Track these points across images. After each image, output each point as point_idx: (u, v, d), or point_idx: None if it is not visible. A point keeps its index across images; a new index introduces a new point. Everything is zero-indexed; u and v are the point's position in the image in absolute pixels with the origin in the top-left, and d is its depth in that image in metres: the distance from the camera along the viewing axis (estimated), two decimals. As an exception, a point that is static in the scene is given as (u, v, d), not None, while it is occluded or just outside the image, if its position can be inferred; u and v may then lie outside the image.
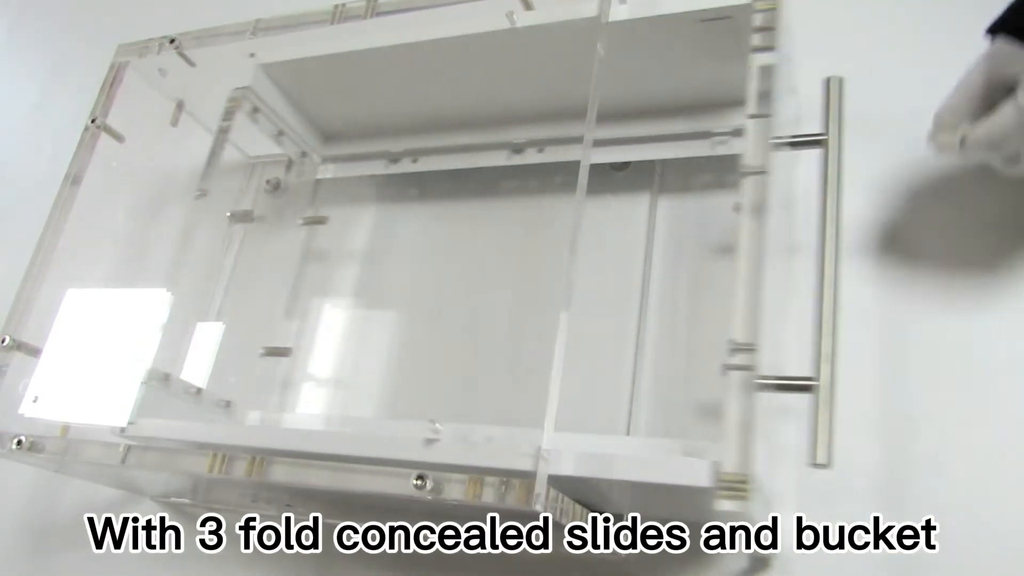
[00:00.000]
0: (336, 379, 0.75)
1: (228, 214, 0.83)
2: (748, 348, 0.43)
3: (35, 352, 0.63)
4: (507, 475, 0.44)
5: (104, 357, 0.65)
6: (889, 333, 0.59)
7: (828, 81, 0.55)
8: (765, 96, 0.49)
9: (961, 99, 0.55)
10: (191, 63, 0.72)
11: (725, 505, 0.41)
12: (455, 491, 0.45)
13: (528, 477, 0.44)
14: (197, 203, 0.70)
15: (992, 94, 0.54)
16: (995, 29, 0.54)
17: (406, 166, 0.77)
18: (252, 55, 0.72)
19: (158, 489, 0.73)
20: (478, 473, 0.45)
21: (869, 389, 0.58)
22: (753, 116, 0.48)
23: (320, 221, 0.81)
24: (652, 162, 0.69)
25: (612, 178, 0.71)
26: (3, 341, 0.63)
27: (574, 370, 0.62)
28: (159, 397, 0.66)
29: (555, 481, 0.45)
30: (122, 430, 0.59)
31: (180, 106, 0.77)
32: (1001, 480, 0.53)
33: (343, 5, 0.67)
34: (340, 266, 0.79)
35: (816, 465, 0.45)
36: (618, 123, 0.68)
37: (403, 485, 0.45)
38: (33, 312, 0.64)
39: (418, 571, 0.63)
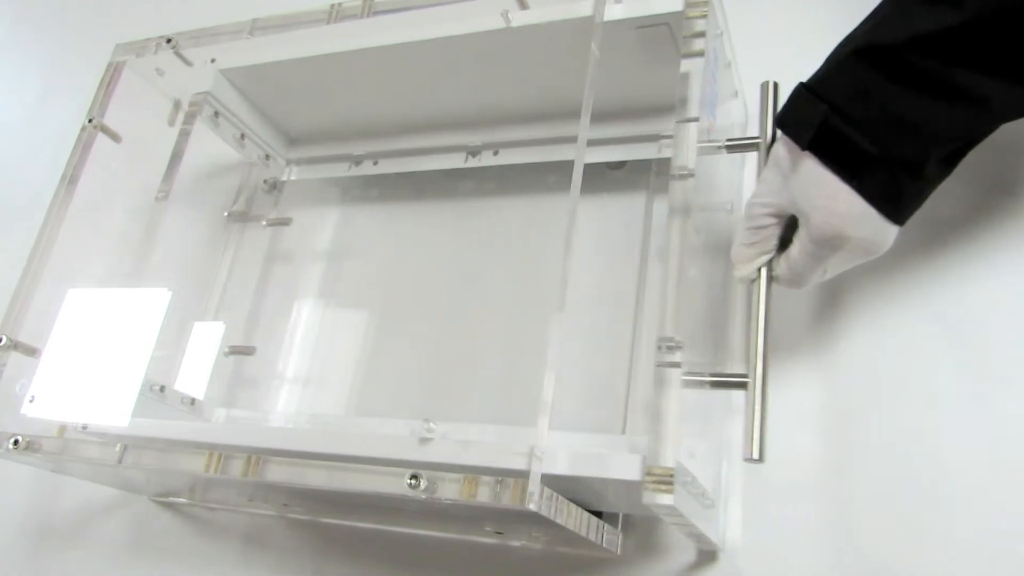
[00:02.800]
0: (301, 377, 0.76)
1: (226, 214, 0.83)
2: (675, 345, 0.44)
3: (32, 352, 0.63)
4: (501, 474, 0.44)
5: (96, 357, 0.65)
6: (826, 330, 0.60)
7: (764, 85, 0.56)
8: (691, 102, 0.50)
9: (750, 232, 0.53)
10: (188, 63, 0.72)
11: (652, 498, 0.42)
12: (450, 490, 0.45)
13: (522, 476, 0.44)
14: (156, 205, 0.70)
15: (781, 219, 0.52)
16: (778, 124, 0.51)
17: (367, 168, 0.79)
18: (213, 60, 0.73)
19: (156, 488, 0.73)
20: (472, 472, 0.45)
21: (808, 385, 0.59)
22: (681, 121, 0.49)
23: (284, 223, 0.82)
24: (648, 161, 0.69)
25: (607, 177, 0.71)
26: (0, 341, 0.63)
27: (569, 368, 0.63)
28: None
29: (549, 480, 0.45)
30: (84, 427, 0.61)
31: (178, 106, 0.77)
32: (938, 469, 0.54)
33: (339, 4, 0.67)
34: (305, 266, 0.81)
35: (749, 459, 0.46)
36: (606, 123, 0.68)
37: (397, 484, 0.45)
38: (28, 312, 0.64)
39: (413, 569, 0.64)
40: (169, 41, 0.72)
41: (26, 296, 0.65)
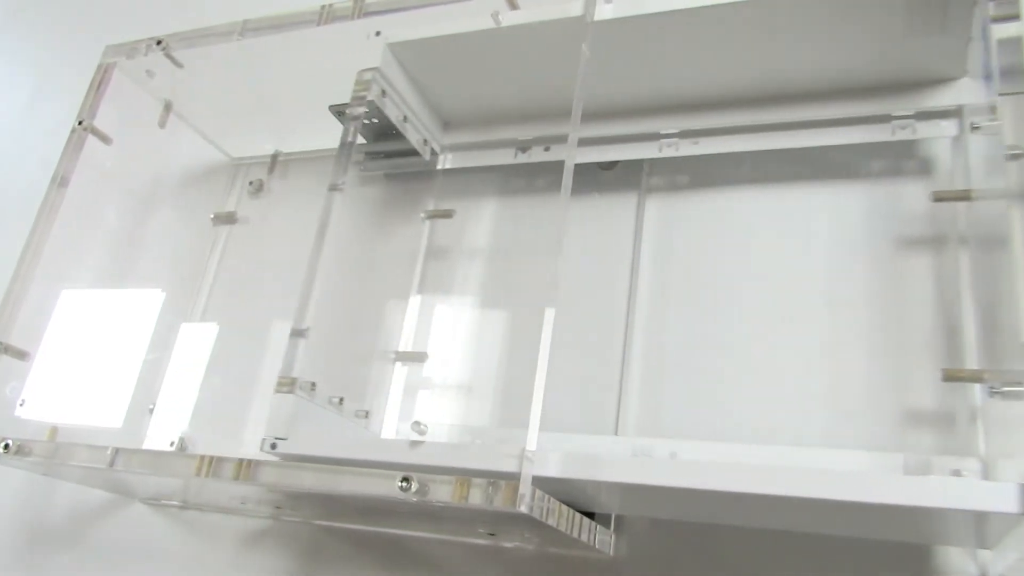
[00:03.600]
0: (461, 385, 0.70)
1: (212, 216, 0.83)
2: None
3: (22, 355, 0.63)
4: (492, 476, 0.44)
5: (90, 359, 0.65)
6: None
7: None
8: (1017, 72, 0.44)
9: None
10: (178, 64, 0.72)
11: None
12: (442, 493, 0.45)
13: (513, 478, 0.44)
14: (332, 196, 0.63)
15: None
16: None
17: (537, 155, 0.71)
18: (378, 33, 0.67)
19: (148, 492, 0.72)
20: (463, 475, 0.45)
21: None
22: (1005, 94, 0.44)
23: (446, 215, 0.75)
24: (640, 162, 0.69)
25: (600, 177, 0.71)
26: (-10, 344, 0.63)
27: (562, 370, 0.62)
28: (305, 407, 0.59)
29: (541, 482, 0.45)
30: (273, 446, 0.54)
31: (168, 107, 0.77)
32: None
33: (330, 5, 0.67)
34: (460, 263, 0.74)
35: None
36: (608, 121, 0.67)
37: (388, 487, 0.45)
38: (18, 315, 0.64)
39: (406, 570, 0.63)
40: (159, 43, 0.72)
41: (16, 299, 0.64)
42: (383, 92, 0.68)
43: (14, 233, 0.68)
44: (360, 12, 0.66)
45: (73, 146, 0.69)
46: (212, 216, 0.82)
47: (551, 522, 0.47)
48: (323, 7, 0.67)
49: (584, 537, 0.53)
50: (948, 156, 0.59)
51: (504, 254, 0.73)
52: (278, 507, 0.65)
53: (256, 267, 0.80)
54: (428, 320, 0.72)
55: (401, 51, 0.68)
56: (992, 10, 0.45)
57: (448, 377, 0.70)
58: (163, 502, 0.74)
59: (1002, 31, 0.44)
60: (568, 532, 0.50)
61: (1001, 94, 0.43)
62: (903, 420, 0.54)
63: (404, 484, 0.45)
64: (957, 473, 0.47)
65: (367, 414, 0.67)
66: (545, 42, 0.62)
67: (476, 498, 0.44)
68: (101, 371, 0.66)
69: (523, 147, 0.72)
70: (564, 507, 0.49)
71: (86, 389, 0.65)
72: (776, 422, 0.57)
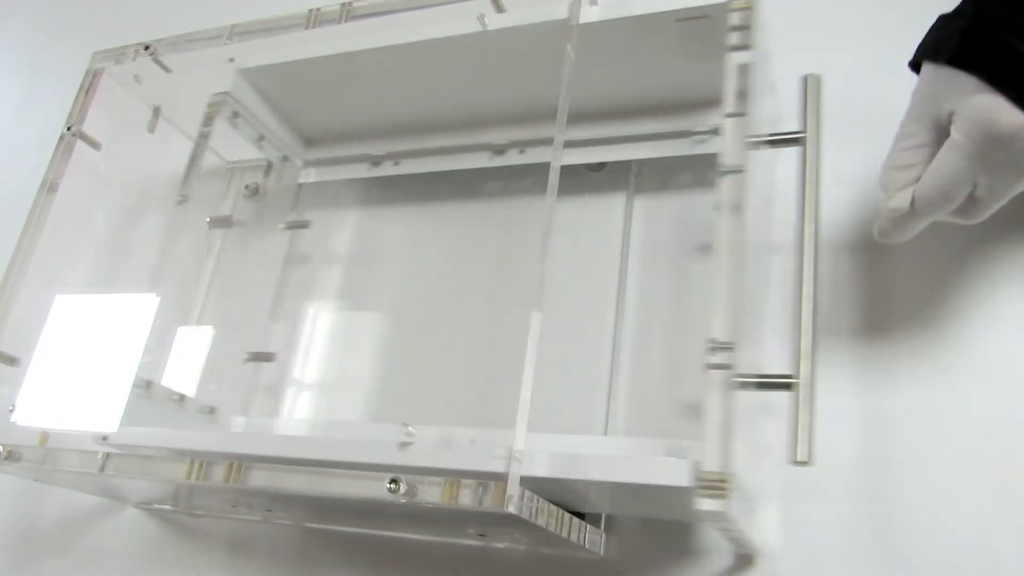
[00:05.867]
0: (321, 383, 0.75)
1: (208, 219, 0.83)
2: (727, 347, 0.43)
3: (11, 361, 0.63)
4: (481, 477, 0.44)
5: (83, 364, 0.65)
6: (869, 331, 0.60)
7: (806, 79, 0.55)
8: (742, 95, 0.49)
9: (903, 153, 0.50)
10: (166, 69, 0.72)
11: (705, 504, 0.41)
12: (431, 494, 0.45)
13: (501, 479, 0.44)
14: (178, 208, 0.70)
15: (935, 135, 0.49)
16: (917, 59, 0.50)
17: (387, 169, 0.77)
18: (232, 60, 0.72)
19: (140, 496, 0.72)
20: (451, 476, 0.45)
21: (852, 386, 0.58)
22: (730, 115, 0.48)
23: (303, 225, 0.81)
24: (628, 163, 0.69)
25: (588, 179, 0.71)
26: (-21, 351, 0.63)
27: (552, 370, 0.63)
28: (141, 405, 0.66)
29: (531, 482, 0.45)
30: (104, 437, 0.59)
31: (157, 112, 0.76)
32: (973, 478, 0.54)
33: (318, 9, 0.67)
34: (323, 270, 0.79)
35: (797, 463, 0.46)
36: (594, 123, 0.68)
37: (377, 488, 0.45)
38: (7, 320, 0.64)
39: (397, 573, 0.64)
40: (147, 48, 0.72)
41: (6, 305, 0.64)
42: (235, 114, 0.73)
43: (4, 239, 0.68)
44: (348, 16, 0.66)
45: (62, 152, 0.69)
46: (208, 220, 0.83)
47: (540, 522, 0.47)
48: (311, 11, 0.67)
49: (574, 537, 0.53)
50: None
51: (363, 260, 0.78)
52: (269, 510, 0.66)
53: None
54: (287, 323, 0.78)
55: (255, 75, 0.74)
56: (732, 40, 0.50)
57: (308, 375, 0.75)
58: (155, 506, 0.74)
59: (736, 59, 0.49)
60: (558, 532, 0.50)
61: (728, 115, 0.48)
62: (682, 411, 0.61)
63: (392, 486, 0.45)
64: None
65: (212, 410, 0.72)
66: (394, 64, 0.68)
67: (466, 499, 0.44)
68: (93, 376, 0.66)
69: (376, 161, 0.77)
70: (554, 507, 0.49)
71: (77, 394, 0.65)
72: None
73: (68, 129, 0.70)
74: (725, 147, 0.47)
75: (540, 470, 0.47)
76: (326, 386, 0.75)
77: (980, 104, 0.46)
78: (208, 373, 0.74)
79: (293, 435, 0.71)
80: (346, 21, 0.66)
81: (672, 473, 0.45)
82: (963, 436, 0.55)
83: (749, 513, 0.51)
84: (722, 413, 0.42)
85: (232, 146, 0.80)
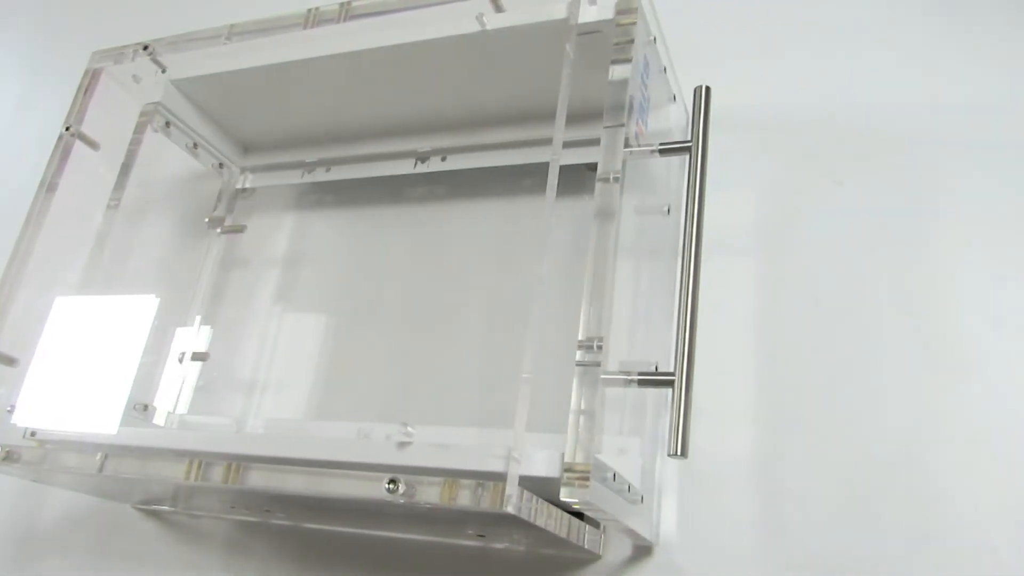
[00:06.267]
0: (258, 382, 0.76)
1: (207, 220, 0.83)
2: (595, 345, 0.45)
3: (10, 361, 0.63)
4: (480, 477, 0.44)
5: (79, 365, 0.65)
6: (761, 330, 0.62)
7: (696, 90, 0.56)
8: (619, 107, 0.51)
9: None
10: (163, 69, 0.72)
11: (567, 494, 0.43)
12: (430, 494, 0.45)
13: (500, 479, 0.44)
14: (108, 213, 0.70)
15: None
16: None
17: (320, 175, 0.79)
18: (164, 71, 0.73)
19: (138, 497, 0.72)
20: (449, 476, 0.45)
21: (743, 383, 0.60)
22: (608, 126, 0.51)
23: (238, 229, 0.83)
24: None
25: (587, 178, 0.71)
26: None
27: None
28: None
29: (532, 482, 0.45)
30: (32, 433, 0.61)
31: (152, 112, 0.76)
32: (868, 472, 0.55)
33: (316, 9, 0.67)
34: (261, 272, 0.81)
35: (671, 455, 0.47)
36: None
37: (375, 488, 0.45)
38: (6, 321, 0.64)
39: (395, 573, 0.64)
40: (146, 48, 0.72)
41: (4, 305, 0.64)
42: (167, 123, 0.75)
43: (3, 240, 0.68)
44: (346, 15, 0.66)
45: (61, 152, 0.69)
46: (207, 220, 0.83)
47: (539, 523, 0.47)
48: (310, 10, 0.67)
49: (573, 537, 0.53)
50: (664, 173, 0.65)
51: (296, 263, 0.80)
52: (267, 511, 0.65)
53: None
54: (220, 324, 0.79)
55: (189, 86, 0.75)
56: (614, 55, 0.53)
57: (240, 374, 0.76)
58: (154, 507, 0.74)
59: (615, 72, 0.52)
60: (556, 532, 0.50)
61: (605, 127, 0.51)
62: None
63: (391, 486, 0.45)
64: (622, 451, 0.54)
65: (146, 408, 0.73)
66: (328, 72, 0.70)
67: (464, 499, 0.44)
68: (92, 376, 0.66)
69: (309, 168, 0.79)
70: (553, 507, 0.49)
71: (77, 395, 0.65)
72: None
73: (67, 129, 0.69)
74: (601, 156, 0.50)
75: (539, 469, 0.47)
76: (260, 385, 0.75)
77: None
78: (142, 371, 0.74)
79: (291, 435, 0.71)
80: (345, 21, 0.66)
81: (539, 465, 0.46)
82: (850, 433, 0.57)
83: (633, 504, 0.53)
84: (586, 407, 0.44)
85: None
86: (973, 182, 0.61)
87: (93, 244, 0.69)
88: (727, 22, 0.74)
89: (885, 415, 0.57)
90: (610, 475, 0.48)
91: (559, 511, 0.50)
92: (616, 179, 0.49)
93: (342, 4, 0.66)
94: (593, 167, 0.70)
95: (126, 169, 0.71)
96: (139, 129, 0.73)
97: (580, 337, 0.46)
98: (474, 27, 0.61)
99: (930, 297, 0.59)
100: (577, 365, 0.45)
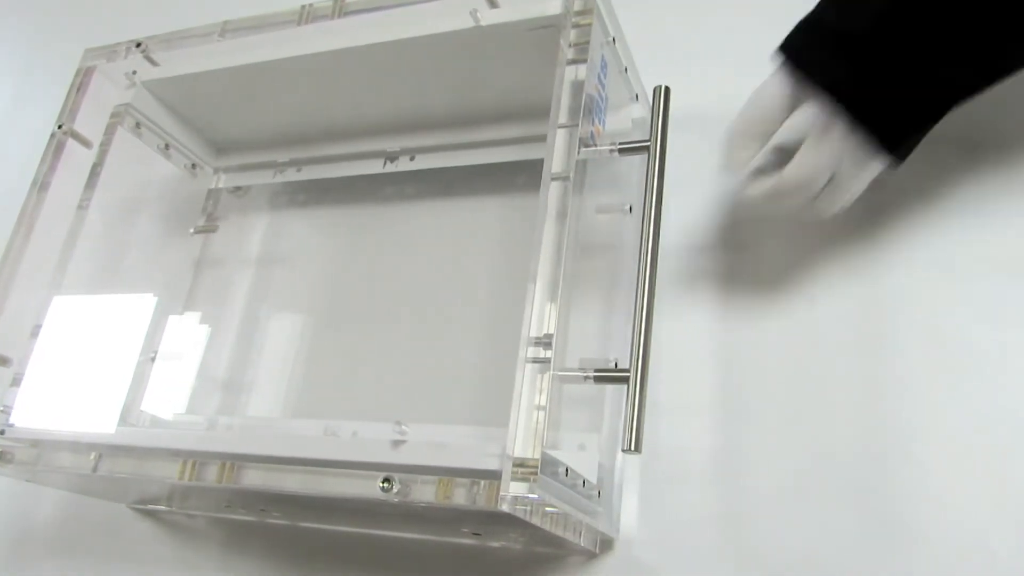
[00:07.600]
0: (231, 382, 0.75)
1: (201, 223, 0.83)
2: (543, 342, 0.46)
3: (4, 361, 0.63)
4: (475, 476, 0.44)
5: (75, 365, 0.65)
6: (717, 331, 0.62)
7: (655, 90, 0.56)
8: (575, 108, 0.51)
9: (754, 116, 0.54)
10: (156, 66, 0.72)
11: (511, 488, 0.43)
12: (425, 493, 0.45)
13: (495, 477, 0.44)
14: (78, 213, 0.70)
15: (783, 113, 0.53)
16: (782, 50, 0.53)
17: (291, 175, 0.79)
18: (134, 72, 0.73)
19: (134, 497, 0.72)
20: (444, 474, 0.45)
21: (704, 380, 0.61)
22: (561, 126, 0.51)
23: (211, 229, 0.82)
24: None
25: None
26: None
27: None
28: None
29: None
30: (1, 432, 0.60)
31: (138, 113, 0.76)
32: (824, 471, 0.56)
33: (310, 5, 0.67)
34: (235, 272, 0.80)
35: (627, 451, 0.47)
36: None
37: (370, 487, 0.45)
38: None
39: (392, 572, 0.63)
40: (139, 45, 0.71)
41: (-3, 305, 0.64)
42: (137, 124, 0.74)
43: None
44: (340, 12, 0.66)
45: (53, 150, 0.69)
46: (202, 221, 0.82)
47: (535, 521, 0.47)
48: (303, 7, 0.67)
49: (570, 535, 0.53)
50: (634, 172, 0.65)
51: (269, 263, 0.80)
52: (263, 510, 0.65)
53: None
54: (192, 323, 0.79)
55: (159, 87, 0.74)
56: (569, 55, 0.53)
57: (215, 373, 0.76)
58: (150, 507, 0.73)
59: (570, 73, 0.52)
60: (553, 530, 0.50)
61: (558, 126, 0.51)
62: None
63: (386, 485, 0.45)
64: (582, 447, 0.54)
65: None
66: (305, 72, 0.69)
67: (459, 498, 0.44)
68: (88, 376, 0.65)
69: (280, 169, 0.79)
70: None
71: (72, 395, 0.65)
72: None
73: (59, 127, 0.69)
74: (547, 156, 0.50)
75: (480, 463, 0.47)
76: (234, 384, 0.75)
77: None
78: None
79: (287, 434, 0.71)
80: (338, 17, 0.65)
81: (482, 458, 0.46)
82: (810, 431, 0.57)
83: (587, 499, 0.53)
84: (536, 401, 0.44)
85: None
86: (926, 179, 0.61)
87: (64, 243, 0.68)
88: (696, 24, 0.74)
89: (845, 411, 0.57)
90: (561, 470, 0.47)
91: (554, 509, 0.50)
92: (565, 178, 0.49)
93: (335, 0, 0.66)
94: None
95: (95, 171, 0.70)
96: (109, 131, 0.72)
97: (530, 335, 0.46)
98: (451, 26, 0.61)
99: (888, 288, 0.59)
100: (528, 362, 0.45)
